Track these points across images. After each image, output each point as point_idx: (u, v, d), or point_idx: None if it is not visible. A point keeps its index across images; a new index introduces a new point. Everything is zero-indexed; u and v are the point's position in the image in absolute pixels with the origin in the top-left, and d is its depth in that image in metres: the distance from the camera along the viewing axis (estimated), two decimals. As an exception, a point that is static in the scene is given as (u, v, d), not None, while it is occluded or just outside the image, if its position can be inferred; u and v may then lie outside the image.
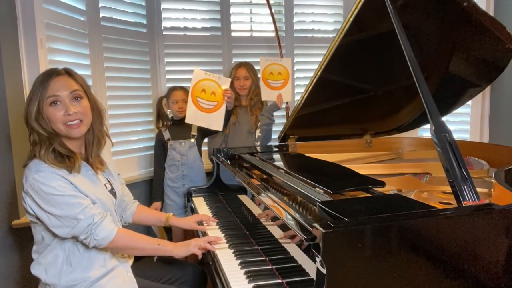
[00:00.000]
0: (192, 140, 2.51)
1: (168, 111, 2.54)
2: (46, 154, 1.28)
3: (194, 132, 2.52)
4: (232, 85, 2.58)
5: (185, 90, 2.47)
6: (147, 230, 2.63)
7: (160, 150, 2.52)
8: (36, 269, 1.36)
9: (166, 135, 2.50)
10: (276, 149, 2.20)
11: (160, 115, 2.55)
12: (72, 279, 1.33)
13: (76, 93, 1.32)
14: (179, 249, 1.42)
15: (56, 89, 1.28)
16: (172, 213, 1.70)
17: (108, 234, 1.30)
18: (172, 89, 2.49)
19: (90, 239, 1.28)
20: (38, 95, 1.27)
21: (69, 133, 1.31)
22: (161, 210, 2.52)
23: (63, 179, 1.28)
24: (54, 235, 1.32)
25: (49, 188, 1.25)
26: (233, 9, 2.94)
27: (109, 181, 1.48)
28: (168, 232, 2.63)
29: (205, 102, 2.30)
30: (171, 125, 2.54)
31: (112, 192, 1.47)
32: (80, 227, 1.26)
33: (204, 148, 2.67)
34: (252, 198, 1.60)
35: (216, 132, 2.47)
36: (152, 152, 2.58)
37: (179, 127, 2.52)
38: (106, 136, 1.47)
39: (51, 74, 1.31)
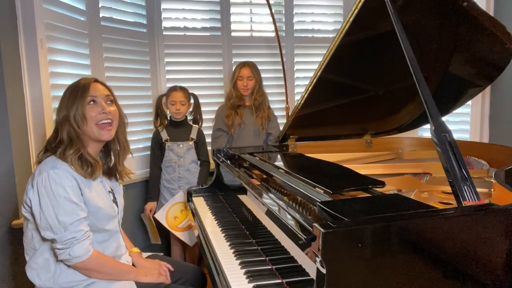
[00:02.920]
0: (190, 142, 2.50)
1: (166, 111, 2.54)
2: (72, 156, 1.32)
3: (193, 135, 2.52)
4: (235, 85, 2.58)
5: (184, 91, 2.47)
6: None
7: (157, 150, 2.51)
8: (29, 273, 1.36)
9: (164, 135, 2.49)
10: (276, 149, 2.20)
11: (158, 114, 2.54)
12: (67, 281, 1.33)
13: (110, 98, 1.44)
14: (142, 278, 1.43)
15: (95, 90, 1.40)
16: (139, 250, 1.61)
17: (84, 254, 1.29)
18: (171, 89, 2.49)
19: (64, 251, 1.27)
20: (78, 96, 1.36)
21: (100, 134, 1.38)
22: (155, 210, 2.53)
23: (74, 182, 1.30)
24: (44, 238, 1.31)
25: (59, 188, 1.27)
26: (233, 9, 2.94)
27: (112, 190, 1.49)
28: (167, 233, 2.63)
29: (184, 221, 2.42)
30: (169, 126, 2.53)
31: (115, 201, 1.49)
32: (63, 236, 1.26)
33: (208, 148, 2.66)
34: (252, 198, 1.60)
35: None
36: (149, 152, 2.57)
37: (178, 128, 2.52)
38: (128, 145, 1.54)
39: (90, 80, 1.42)
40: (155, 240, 2.57)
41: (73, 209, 1.28)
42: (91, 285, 1.35)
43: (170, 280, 1.50)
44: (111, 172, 1.52)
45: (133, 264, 1.53)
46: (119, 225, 1.51)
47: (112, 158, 1.51)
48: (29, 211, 1.32)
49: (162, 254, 1.70)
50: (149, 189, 2.55)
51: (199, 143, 2.53)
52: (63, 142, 1.34)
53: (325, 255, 0.79)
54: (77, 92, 1.37)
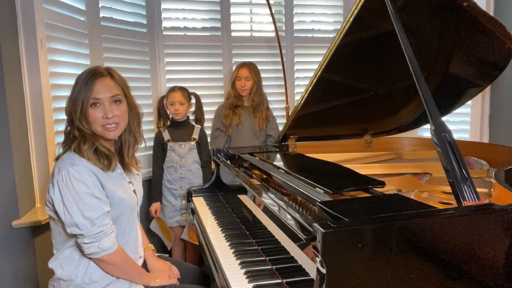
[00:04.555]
0: (192, 143, 2.50)
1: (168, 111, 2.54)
2: (87, 150, 1.31)
3: (195, 135, 2.52)
4: (233, 85, 2.59)
5: (183, 91, 2.47)
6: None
7: (159, 150, 2.51)
8: (53, 263, 1.37)
9: (166, 135, 2.49)
10: (276, 149, 2.20)
11: (160, 115, 2.54)
12: (88, 279, 1.33)
13: (117, 97, 1.37)
14: (154, 282, 1.44)
15: (98, 91, 1.33)
16: (153, 248, 1.63)
17: (112, 246, 1.31)
18: (170, 90, 2.48)
19: (93, 245, 1.27)
20: (82, 95, 1.32)
21: (105, 134, 1.36)
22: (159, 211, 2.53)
23: (94, 177, 1.30)
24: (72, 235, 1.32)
25: (80, 184, 1.27)
26: (233, 9, 2.94)
27: (131, 182, 1.49)
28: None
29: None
30: (171, 126, 2.53)
31: (134, 192, 1.49)
32: (91, 231, 1.27)
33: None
34: (252, 198, 1.60)
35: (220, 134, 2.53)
36: (151, 152, 2.57)
37: (179, 128, 2.51)
38: (142, 137, 1.51)
39: (95, 75, 1.35)
40: (170, 242, 2.58)
41: (97, 204, 1.28)
42: (107, 285, 1.35)
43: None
44: (124, 163, 1.49)
45: (144, 261, 1.54)
46: (138, 217, 1.52)
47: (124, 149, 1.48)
48: (52, 209, 1.32)
49: (167, 255, 1.71)
50: (152, 190, 2.54)
51: (201, 143, 2.53)
52: (77, 137, 1.34)
53: (325, 255, 0.79)
54: (82, 90, 1.32)
